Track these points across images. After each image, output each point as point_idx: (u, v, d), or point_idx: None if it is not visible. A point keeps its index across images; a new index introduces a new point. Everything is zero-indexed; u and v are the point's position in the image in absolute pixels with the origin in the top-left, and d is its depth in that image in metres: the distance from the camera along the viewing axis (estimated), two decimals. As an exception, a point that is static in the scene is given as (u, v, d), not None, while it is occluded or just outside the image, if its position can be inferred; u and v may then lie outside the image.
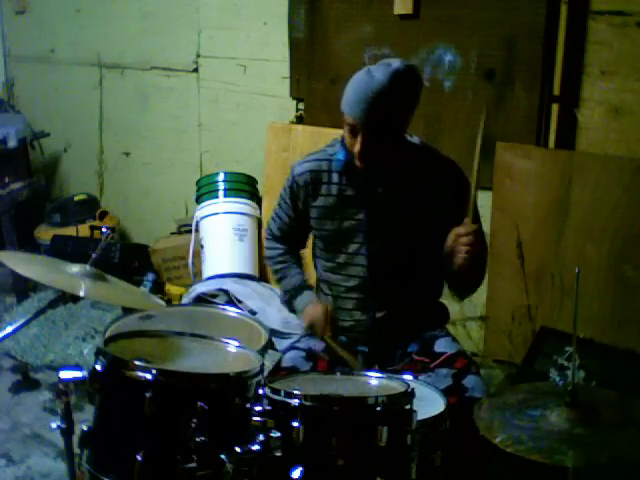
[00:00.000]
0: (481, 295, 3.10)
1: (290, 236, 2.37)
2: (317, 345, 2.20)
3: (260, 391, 1.69)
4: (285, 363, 2.14)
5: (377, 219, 2.14)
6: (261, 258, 3.90)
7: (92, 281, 1.79)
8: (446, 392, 1.94)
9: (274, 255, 2.39)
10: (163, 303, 1.90)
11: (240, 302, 3.42)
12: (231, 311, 2.23)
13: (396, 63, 1.98)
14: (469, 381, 2.05)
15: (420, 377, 2.06)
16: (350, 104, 1.99)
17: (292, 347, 2.23)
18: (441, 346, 2.16)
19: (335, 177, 2.17)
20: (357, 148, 2.00)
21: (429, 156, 2.19)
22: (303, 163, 2.22)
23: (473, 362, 2.17)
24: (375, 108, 1.94)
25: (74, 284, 1.75)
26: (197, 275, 3.86)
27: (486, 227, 2.34)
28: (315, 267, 2.35)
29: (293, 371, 2.07)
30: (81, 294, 1.72)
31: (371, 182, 2.13)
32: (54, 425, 1.80)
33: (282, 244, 2.38)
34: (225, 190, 3.89)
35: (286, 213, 2.31)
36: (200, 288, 3.55)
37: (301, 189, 2.20)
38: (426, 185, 2.14)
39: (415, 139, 2.19)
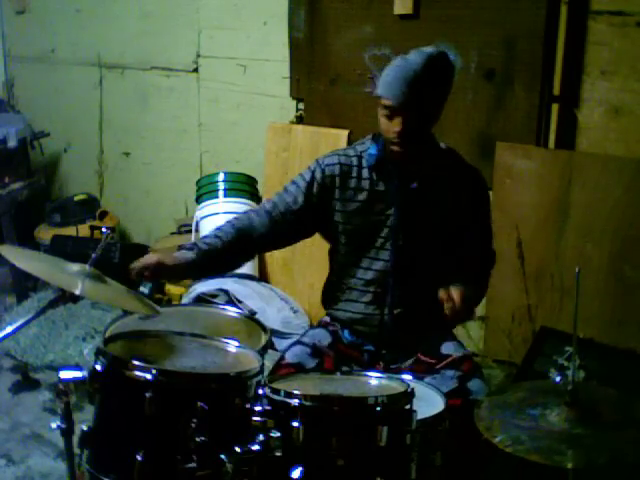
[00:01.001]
0: (481, 295, 3.10)
1: (274, 219, 2.17)
2: (323, 340, 2.20)
3: (260, 391, 1.69)
4: (290, 359, 2.12)
5: (406, 215, 2.14)
6: (261, 258, 3.90)
7: (90, 281, 1.79)
8: (451, 394, 1.94)
9: (224, 224, 2.18)
10: (160, 309, 1.90)
11: (240, 302, 3.41)
12: (231, 311, 2.22)
13: (429, 48, 2.04)
14: (474, 384, 2.05)
15: (425, 379, 2.05)
16: (387, 85, 2.01)
17: (297, 342, 2.22)
18: (448, 349, 2.16)
19: (366, 172, 2.17)
20: (397, 128, 2.01)
21: (456, 161, 2.22)
22: (333, 155, 2.21)
23: (478, 366, 2.18)
24: (412, 88, 1.97)
25: (72, 282, 1.75)
26: (197, 275, 3.85)
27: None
28: (331, 264, 2.31)
29: (298, 367, 2.06)
30: (77, 292, 1.72)
31: (403, 178, 2.13)
32: (54, 425, 1.80)
33: (252, 220, 2.17)
34: (225, 190, 3.88)
35: (287, 200, 2.18)
36: (200, 288, 3.54)
37: (327, 178, 2.17)
38: (451, 188, 2.16)
39: (443, 145, 2.21)
